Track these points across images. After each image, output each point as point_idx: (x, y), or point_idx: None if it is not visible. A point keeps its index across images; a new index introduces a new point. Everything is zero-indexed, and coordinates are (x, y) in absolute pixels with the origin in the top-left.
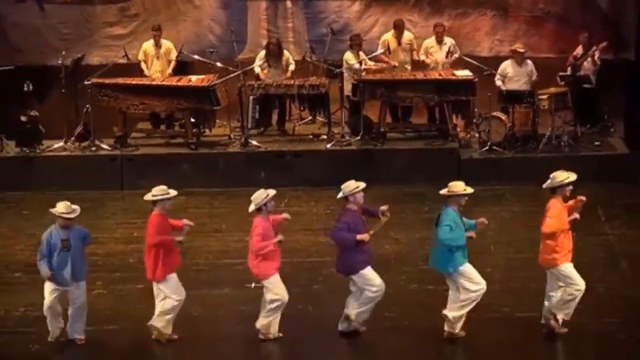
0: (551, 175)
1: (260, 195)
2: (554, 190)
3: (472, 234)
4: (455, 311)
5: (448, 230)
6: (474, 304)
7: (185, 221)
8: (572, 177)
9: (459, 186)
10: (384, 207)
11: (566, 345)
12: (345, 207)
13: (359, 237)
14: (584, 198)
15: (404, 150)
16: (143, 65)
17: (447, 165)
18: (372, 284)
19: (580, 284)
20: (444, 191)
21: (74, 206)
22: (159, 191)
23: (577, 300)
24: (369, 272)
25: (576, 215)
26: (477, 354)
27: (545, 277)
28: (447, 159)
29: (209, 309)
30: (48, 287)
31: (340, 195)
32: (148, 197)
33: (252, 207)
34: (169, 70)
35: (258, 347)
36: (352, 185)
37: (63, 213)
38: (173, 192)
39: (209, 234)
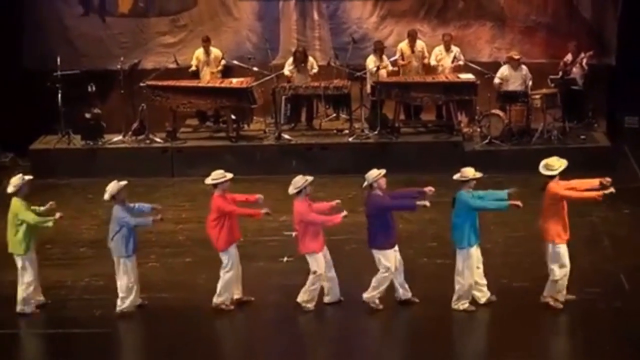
0: (550, 165)
1: (300, 180)
2: (553, 176)
3: (518, 202)
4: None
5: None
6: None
7: (259, 195)
8: (564, 163)
9: (469, 172)
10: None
11: (555, 311)
12: (371, 193)
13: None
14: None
15: (415, 143)
16: (194, 69)
17: (453, 156)
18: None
19: (567, 265)
20: (457, 176)
21: (120, 182)
22: (217, 175)
23: (564, 281)
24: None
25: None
26: (480, 318)
27: (539, 252)
28: (452, 150)
29: (247, 279)
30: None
31: (365, 184)
32: (208, 181)
33: (292, 190)
34: (215, 70)
35: (289, 313)
36: (374, 173)
37: (117, 190)
38: (229, 175)
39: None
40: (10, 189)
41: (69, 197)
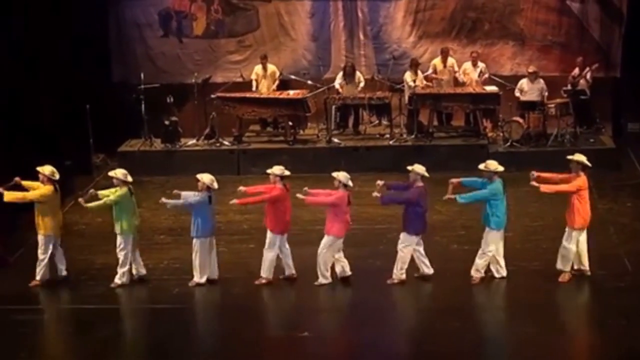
0: (584, 160)
1: (347, 177)
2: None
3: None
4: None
5: None
6: None
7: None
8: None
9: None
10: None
11: (566, 289)
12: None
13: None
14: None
15: (447, 146)
16: (254, 83)
17: (479, 157)
18: None
19: None
20: (500, 168)
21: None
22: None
23: None
24: None
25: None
26: (502, 294)
27: (552, 238)
28: (479, 152)
29: (303, 260)
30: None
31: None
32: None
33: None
34: (274, 87)
35: (334, 288)
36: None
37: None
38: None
39: (302, 207)
40: (129, 178)
41: (150, 192)
